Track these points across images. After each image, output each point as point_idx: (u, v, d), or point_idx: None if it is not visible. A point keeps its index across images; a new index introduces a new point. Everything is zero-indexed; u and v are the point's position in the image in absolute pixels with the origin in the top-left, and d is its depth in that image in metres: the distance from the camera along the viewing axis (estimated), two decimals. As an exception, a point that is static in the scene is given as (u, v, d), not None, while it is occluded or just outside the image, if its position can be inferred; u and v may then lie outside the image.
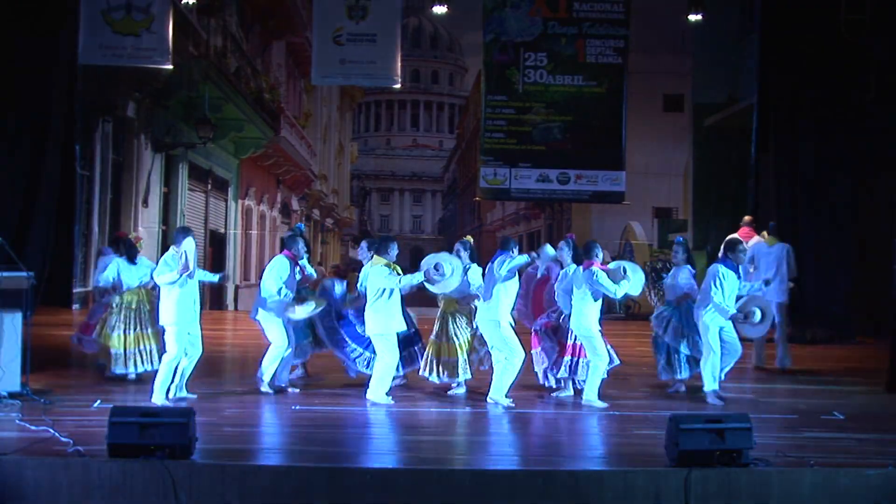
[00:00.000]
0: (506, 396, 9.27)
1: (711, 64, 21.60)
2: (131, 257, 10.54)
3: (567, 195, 18.20)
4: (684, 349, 9.69)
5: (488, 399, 9.31)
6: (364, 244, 10.19)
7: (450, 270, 9.49)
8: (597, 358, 9.29)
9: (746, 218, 13.01)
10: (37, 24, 13.53)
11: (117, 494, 6.42)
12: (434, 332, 9.80)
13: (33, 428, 7.46)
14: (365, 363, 9.85)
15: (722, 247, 9.83)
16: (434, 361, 9.72)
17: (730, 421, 6.83)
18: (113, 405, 7.14)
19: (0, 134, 13.27)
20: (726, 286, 9.35)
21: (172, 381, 9.18)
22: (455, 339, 9.68)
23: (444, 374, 9.71)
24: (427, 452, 7.68)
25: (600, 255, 9.56)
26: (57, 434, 7.20)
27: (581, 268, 9.41)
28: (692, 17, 15.60)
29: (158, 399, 8.99)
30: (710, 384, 9.48)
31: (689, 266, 10.02)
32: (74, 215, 14.97)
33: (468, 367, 9.70)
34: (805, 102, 15.28)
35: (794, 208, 14.93)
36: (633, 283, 9.39)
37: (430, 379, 9.76)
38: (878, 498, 6.68)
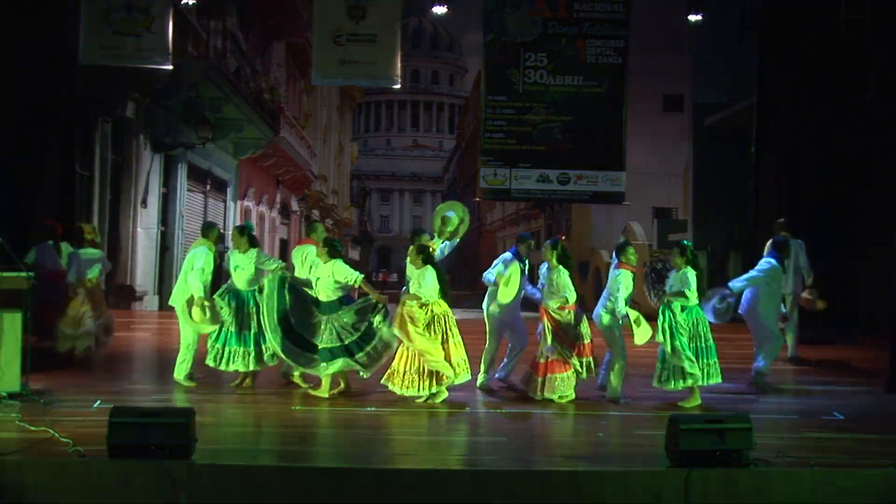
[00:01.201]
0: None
1: (711, 64, 21.60)
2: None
3: (567, 195, 18.17)
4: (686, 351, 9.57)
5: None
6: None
7: (457, 219, 10.13)
8: (618, 354, 9.61)
9: (781, 221, 13.16)
10: (37, 24, 13.54)
11: (117, 495, 6.41)
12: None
13: (33, 428, 7.45)
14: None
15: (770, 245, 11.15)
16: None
17: (730, 421, 6.82)
18: (113, 405, 7.12)
19: (0, 134, 13.28)
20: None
21: None
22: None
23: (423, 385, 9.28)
24: (427, 452, 7.69)
25: (633, 259, 9.64)
26: (57, 434, 7.19)
27: (612, 266, 9.71)
28: (692, 17, 15.57)
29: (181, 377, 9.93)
30: (766, 366, 10.61)
31: (690, 268, 9.81)
32: (74, 215, 14.98)
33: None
34: (805, 102, 15.29)
35: (794, 208, 14.94)
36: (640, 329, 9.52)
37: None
38: (878, 499, 6.67)
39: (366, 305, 9.56)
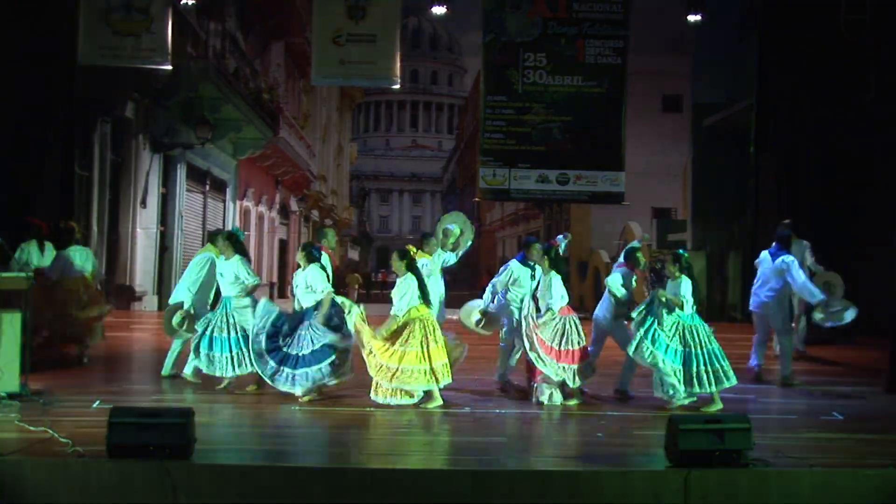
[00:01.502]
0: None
1: (711, 64, 21.61)
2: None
3: (566, 196, 18.18)
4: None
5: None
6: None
7: (458, 231, 10.07)
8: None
9: (786, 222, 13.19)
10: (37, 25, 13.56)
11: (116, 495, 6.41)
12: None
13: (32, 428, 7.45)
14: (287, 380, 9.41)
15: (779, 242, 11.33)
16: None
17: (729, 421, 6.82)
18: (112, 405, 7.12)
19: (0, 134, 13.29)
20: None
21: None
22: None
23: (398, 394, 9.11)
24: (426, 453, 7.69)
25: (641, 263, 9.73)
26: (56, 434, 7.19)
27: (615, 266, 9.89)
28: (692, 18, 15.59)
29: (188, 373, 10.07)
30: (789, 369, 11.10)
31: (685, 276, 9.49)
32: (73, 216, 14.98)
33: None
34: (805, 102, 15.30)
35: (794, 208, 14.94)
36: None
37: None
38: (878, 499, 6.67)
39: (337, 311, 9.51)
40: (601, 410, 9.22)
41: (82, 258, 11.55)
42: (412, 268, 9.29)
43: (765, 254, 11.35)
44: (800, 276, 10.82)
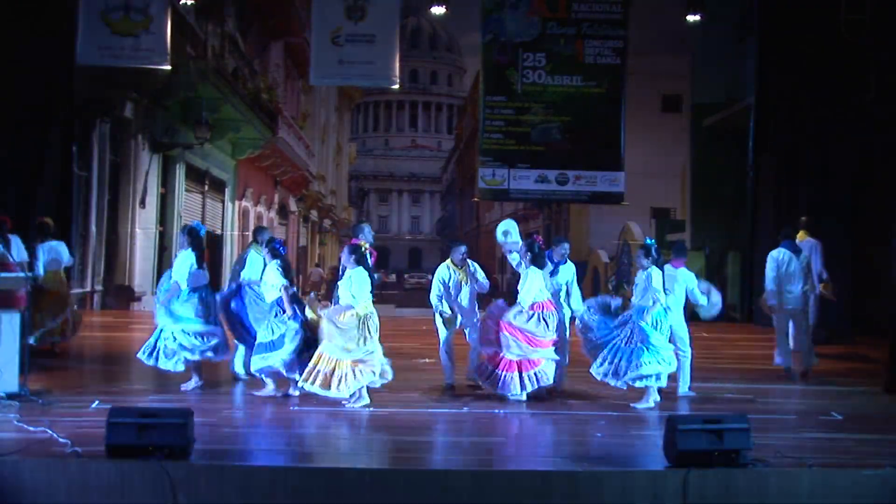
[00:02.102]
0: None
1: (710, 64, 21.60)
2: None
3: (566, 196, 18.20)
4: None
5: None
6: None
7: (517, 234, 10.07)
8: (683, 352, 9.75)
9: (803, 219, 13.23)
10: (36, 25, 13.55)
11: (115, 495, 6.40)
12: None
13: (31, 429, 7.44)
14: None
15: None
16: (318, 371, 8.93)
17: (728, 421, 6.82)
18: (111, 406, 7.12)
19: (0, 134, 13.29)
20: None
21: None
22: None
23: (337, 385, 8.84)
24: (426, 453, 7.69)
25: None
26: (55, 435, 7.19)
27: (672, 266, 9.77)
28: (691, 18, 15.59)
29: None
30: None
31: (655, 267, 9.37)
32: (72, 216, 14.97)
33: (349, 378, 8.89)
34: (805, 102, 15.29)
35: (794, 208, 14.93)
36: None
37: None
38: (876, 499, 6.67)
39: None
40: (600, 410, 9.22)
41: (65, 252, 11.67)
42: (362, 262, 9.18)
43: (786, 252, 11.22)
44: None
